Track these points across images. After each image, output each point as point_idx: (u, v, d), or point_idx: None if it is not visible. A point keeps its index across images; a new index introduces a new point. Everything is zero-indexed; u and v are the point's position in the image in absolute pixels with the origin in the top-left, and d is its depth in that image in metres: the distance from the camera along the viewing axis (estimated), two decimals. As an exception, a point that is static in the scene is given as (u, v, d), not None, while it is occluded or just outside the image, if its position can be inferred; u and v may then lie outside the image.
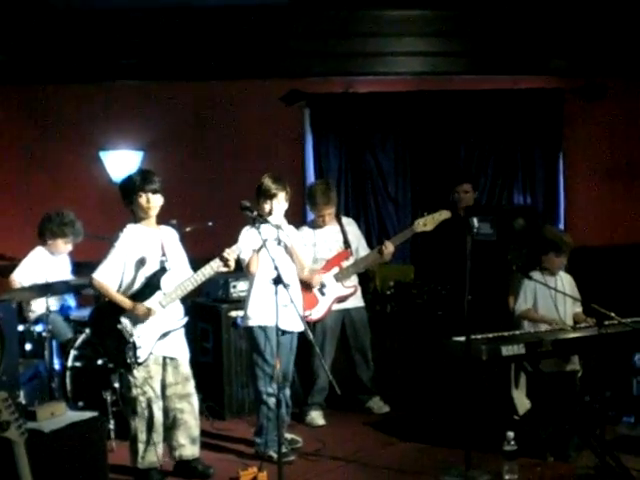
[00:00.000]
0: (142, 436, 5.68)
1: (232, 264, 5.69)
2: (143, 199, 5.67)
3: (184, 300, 5.90)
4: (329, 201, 7.11)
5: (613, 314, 6.04)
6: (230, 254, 5.64)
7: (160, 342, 5.66)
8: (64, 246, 7.32)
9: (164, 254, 5.71)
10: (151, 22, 8.94)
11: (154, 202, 5.70)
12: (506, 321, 6.64)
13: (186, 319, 5.84)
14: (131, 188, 5.69)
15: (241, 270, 6.19)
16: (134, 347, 5.56)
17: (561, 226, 9.66)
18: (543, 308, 6.55)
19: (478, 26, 9.26)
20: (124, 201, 5.77)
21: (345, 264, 7.19)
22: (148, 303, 5.60)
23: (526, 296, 6.57)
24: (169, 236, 5.88)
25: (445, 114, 9.65)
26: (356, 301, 7.33)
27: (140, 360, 5.58)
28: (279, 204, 6.12)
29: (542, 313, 6.54)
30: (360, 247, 7.35)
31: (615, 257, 9.48)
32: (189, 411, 5.82)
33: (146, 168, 5.90)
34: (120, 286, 5.68)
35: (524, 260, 6.76)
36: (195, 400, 5.88)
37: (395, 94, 9.63)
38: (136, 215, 5.75)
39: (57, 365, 6.86)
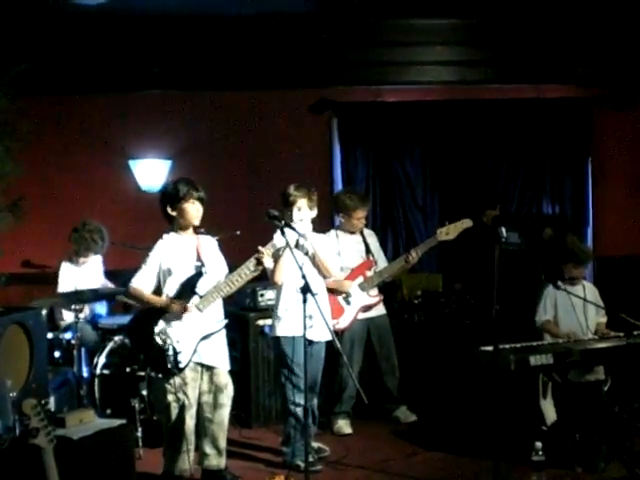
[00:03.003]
0: (173, 443, 5.70)
1: (267, 262, 5.64)
2: (195, 206, 5.69)
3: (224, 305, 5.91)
4: (365, 204, 7.16)
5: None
6: (263, 252, 5.59)
7: (200, 348, 5.65)
8: (84, 259, 7.42)
9: (199, 259, 5.72)
10: (179, 32, 8.98)
11: (201, 211, 5.72)
12: (534, 331, 6.62)
13: (225, 321, 5.81)
14: (184, 194, 5.66)
15: (268, 279, 6.21)
16: (174, 352, 5.57)
17: (589, 235, 9.60)
18: (564, 318, 6.54)
19: (505, 35, 9.23)
20: (165, 209, 5.74)
21: (369, 273, 7.19)
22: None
23: (546, 306, 6.57)
24: (206, 243, 5.87)
25: (473, 123, 9.61)
26: (379, 309, 7.33)
27: (181, 365, 5.58)
28: (300, 211, 6.11)
29: (563, 323, 6.52)
30: (380, 259, 7.36)
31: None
32: (218, 422, 5.81)
33: (186, 177, 5.90)
34: (159, 295, 5.72)
35: (549, 270, 6.73)
36: (226, 412, 5.85)
37: (423, 103, 9.62)
38: (176, 223, 5.75)
39: (85, 373, 6.91)
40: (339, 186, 9.51)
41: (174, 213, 5.71)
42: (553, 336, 6.49)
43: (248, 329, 7.37)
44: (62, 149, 9.34)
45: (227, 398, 5.84)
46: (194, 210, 5.69)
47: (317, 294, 5.39)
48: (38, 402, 3.89)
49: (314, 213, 6.19)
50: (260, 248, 5.61)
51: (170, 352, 5.55)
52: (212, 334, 5.71)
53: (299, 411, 6.02)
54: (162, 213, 5.78)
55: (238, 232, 7.03)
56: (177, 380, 5.62)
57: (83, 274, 7.41)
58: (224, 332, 5.84)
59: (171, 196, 5.71)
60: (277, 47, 9.15)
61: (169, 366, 5.56)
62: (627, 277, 9.04)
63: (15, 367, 5.55)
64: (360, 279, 7.14)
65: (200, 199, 5.71)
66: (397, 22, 9.20)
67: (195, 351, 5.63)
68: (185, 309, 5.58)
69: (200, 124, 9.42)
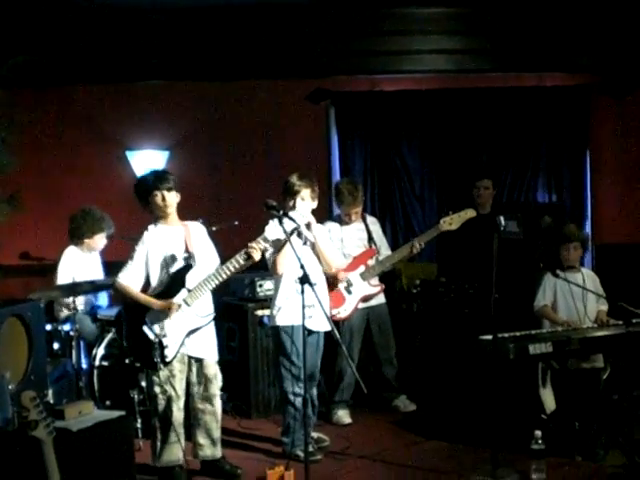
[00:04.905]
0: (159, 434, 5.73)
1: (257, 256, 5.63)
2: (159, 198, 5.70)
3: (214, 297, 5.90)
4: (355, 201, 7.10)
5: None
6: (255, 246, 5.57)
7: (188, 340, 5.67)
8: (101, 241, 7.38)
9: (187, 250, 5.71)
10: (176, 22, 8.96)
11: (169, 200, 5.72)
12: (533, 319, 6.62)
13: (213, 315, 5.83)
14: (145, 189, 5.75)
15: (267, 269, 6.19)
16: (161, 346, 5.58)
17: (588, 224, 9.59)
18: (563, 306, 6.53)
19: (503, 23, 9.20)
20: (141, 203, 5.82)
21: (370, 262, 7.18)
22: (174, 301, 5.61)
23: (545, 293, 6.56)
24: (195, 232, 5.87)
25: (471, 112, 9.58)
26: (379, 298, 7.32)
27: (168, 359, 5.60)
28: (303, 201, 6.07)
29: (561, 310, 6.51)
30: (383, 247, 7.35)
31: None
32: (210, 412, 5.83)
33: (158, 168, 5.93)
34: (149, 287, 5.73)
35: (548, 258, 6.73)
36: (218, 402, 5.88)
37: (421, 92, 9.59)
38: (155, 215, 5.79)
39: (84, 364, 6.89)
40: (337, 175, 9.49)
41: (149, 206, 5.78)
42: (551, 321, 6.49)
43: (247, 319, 7.37)
44: (59, 140, 9.33)
45: (217, 388, 5.86)
46: (159, 201, 5.71)
47: (316, 284, 5.37)
48: (37, 394, 3.89)
49: (315, 204, 6.16)
50: (250, 244, 5.59)
51: (157, 346, 5.57)
52: (199, 328, 5.72)
53: (298, 401, 6.02)
54: (143, 208, 5.87)
55: (236, 222, 7.03)
56: (164, 372, 5.64)
57: (86, 261, 7.36)
58: (212, 324, 5.85)
59: (142, 190, 5.82)
60: (274, 37, 9.13)
61: (155, 360, 5.57)
62: (625, 265, 9.04)
63: (14, 359, 5.52)
64: (362, 268, 7.12)
65: (168, 188, 5.72)
66: (395, 11, 9.18)
67: (182, 344, 5.65)
68: (168, 307, 5.58)
69: (197, 114, 9.40)
